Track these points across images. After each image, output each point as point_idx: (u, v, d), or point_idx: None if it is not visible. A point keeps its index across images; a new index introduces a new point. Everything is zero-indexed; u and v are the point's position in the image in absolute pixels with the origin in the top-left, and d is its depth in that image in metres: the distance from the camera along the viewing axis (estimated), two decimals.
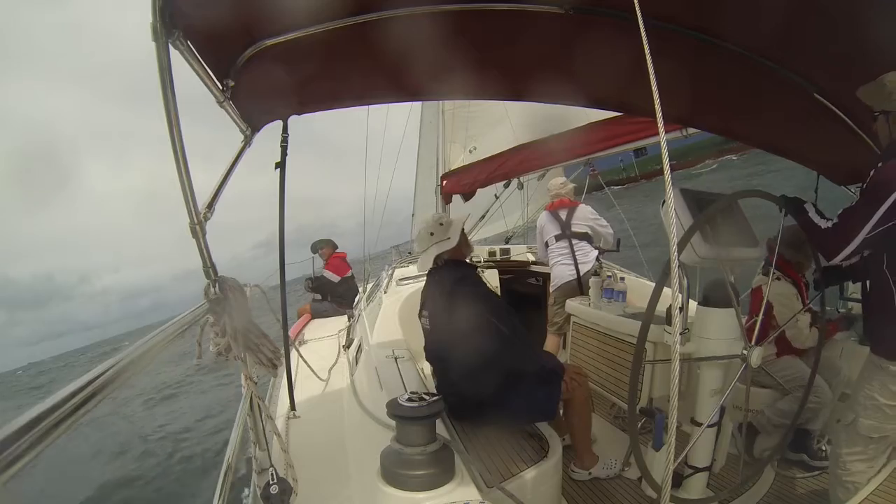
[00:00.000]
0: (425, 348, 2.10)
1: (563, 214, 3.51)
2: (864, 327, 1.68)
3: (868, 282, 1.62)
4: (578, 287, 3.28)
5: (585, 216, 3.49)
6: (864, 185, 1.47)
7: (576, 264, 3.35)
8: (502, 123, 4.25)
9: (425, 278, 2.18)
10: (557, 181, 3.71)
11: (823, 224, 1.53)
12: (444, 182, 4.80)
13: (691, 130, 2.41)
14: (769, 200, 1.64)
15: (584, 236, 3.44)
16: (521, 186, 4.83)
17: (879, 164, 1.46)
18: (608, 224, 3.57)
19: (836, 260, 1.49)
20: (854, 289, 2.89)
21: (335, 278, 5.80)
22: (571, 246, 3.40)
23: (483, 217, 5.13)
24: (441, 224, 2.06)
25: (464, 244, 2.10)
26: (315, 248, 6.08)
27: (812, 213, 1.60)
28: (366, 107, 3.54)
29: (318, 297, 5.84)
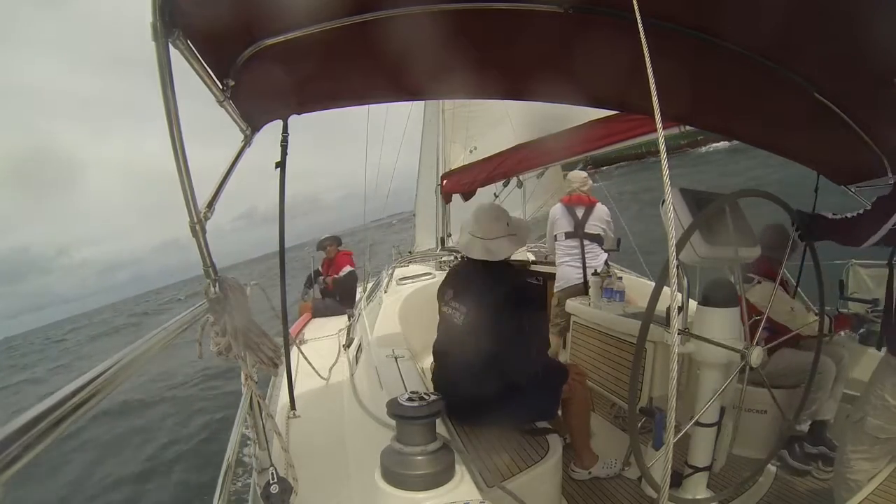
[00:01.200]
0: (441, 337, 1.99)
1: (579, 212, 3.41)
2: (882, 327, 1.70)
3: (894, 281, 1.65)
4: (584, 290, 3.19)
5: (601, 218, 3.40)
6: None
7: (584, 267, 3.27)
8: (502, 123, 4.25)
9: (459, 264, 2.11)
10: (580, 175, 3.62)
11: (849, 214, 1.64)
12: (444, 182, 4.81)
13: (691, 129, 2.41)
14: (779, 205, 1.64)
15: (595, 238, 3.35)
16: (520, 185, 4.84)
17: None
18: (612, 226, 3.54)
19: (866, 245, 1.58)
20: (854, 288, 2.89)
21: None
22: (583, 247, 3.31)
23: None
24: (511, 218, 1.91)
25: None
26: (321, 245, 6.12)
27: (831, 215, 1.73)
28: (366, 106, 3.54)
29: (319, 296, 5.86)
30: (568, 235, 3.40)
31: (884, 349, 1.64)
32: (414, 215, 7.02)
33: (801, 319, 2.16)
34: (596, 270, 3.24)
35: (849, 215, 1.65)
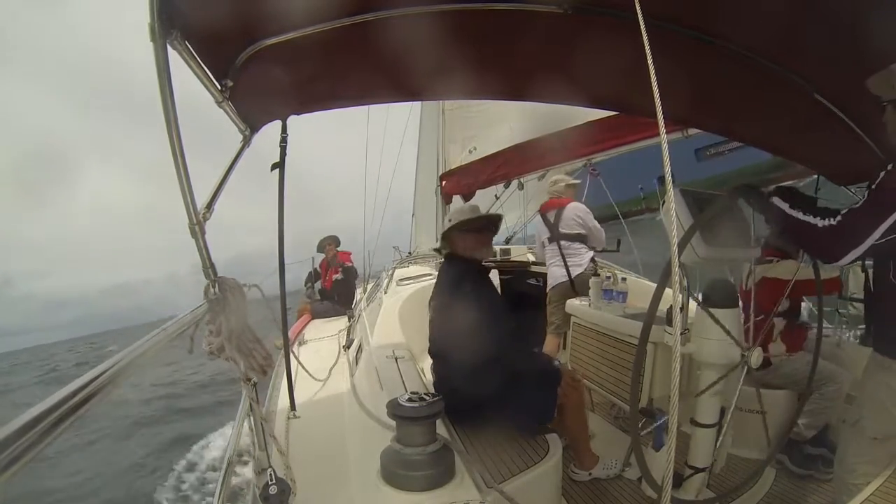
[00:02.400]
0: (430, 341, 2.15)
1: (551, 217, 3.50)
2: (866, 327, 1.66)
3: (872, 286, 1.58)
4: (572, 288, 3.28)
5: (573, 216, 3.43)
6: (874, 186, 1.38)
7: (566, 266, 3.37)
8: (502, 123, 4.26)
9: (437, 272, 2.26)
10: (552, 178, 3.69)
11: (820, 223, 1.39)
12: (444, 182, 4.81)
13: (692, 130, 2.41)
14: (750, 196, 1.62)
15: (576, 237, 3.40)
16: (521, 187, 4.83)
17: (890, 167, 1.37)
18: (599, 225, 3.53)
19: (841, 263, 1.39)
20: (854, 289, 2.89)
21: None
22: (560, 249, 3.40)
23: None
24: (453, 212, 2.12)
25: (470, 241, 2.03)
26: (321, 246, 6.12)
27: (788, 208, 1.47)
28: (366, 106, 3.54)
29: (318, 296, 5.86)
30: (549, 241, 3.52)
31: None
32: (413, 216, 7.02)
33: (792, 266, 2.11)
34: (596, 271, 3.26)
35: (819, 223, 1.40)
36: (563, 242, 3.41)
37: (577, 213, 3.44)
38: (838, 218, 1.36)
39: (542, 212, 3.59)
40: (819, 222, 1.39)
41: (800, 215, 1.44)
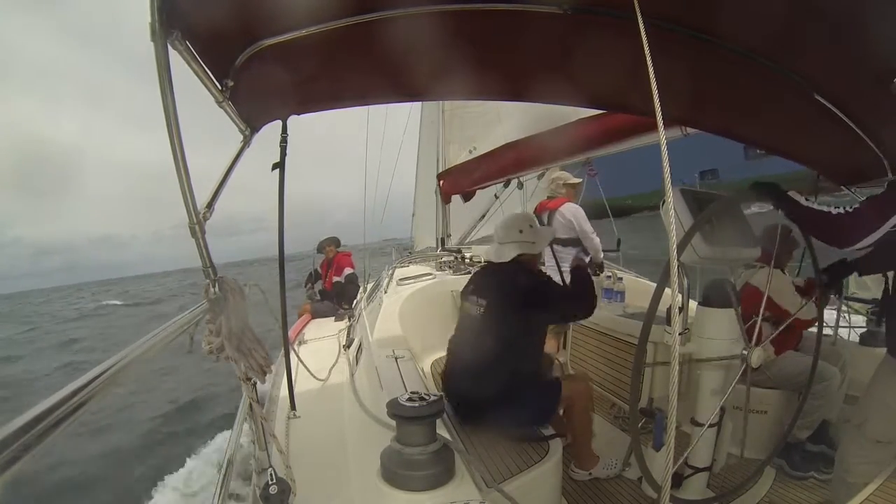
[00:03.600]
0: (459, 330, 2.15)
1: (543, 219, 3.45)
2: (886, 329, 1.64)
3: (892, 282, 1.60)
4: None
5: (563, 220, 3.37)
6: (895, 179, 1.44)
7: (559, 269, 3.35)
8: (502, 123, 4.25)
9: (482, 266, 2.40)
10: (551, 175, 3.66)
11: (835, 211, 1.44)
12: (441, 182, 4.80)
13: (691, 129, 2.40)
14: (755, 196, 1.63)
15: (567, 242, 3.35)
16: (520, 186, 4.83)
17: None
18: (594, 231, 3.44)
19: (855, 247, 1.43)
20: (855, 289, 2.89)
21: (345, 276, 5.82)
22: (553, 253, 3.37)
23: (483, 217, 5.13)
24: (531, 227, 2.13)
25: (538, 258, 2.20)
26: (320, 247, 6.12)
27: (804, 200, 1.54)
28: (366, 107, 3.54)
29: (318, 296, 5.86)
30: None
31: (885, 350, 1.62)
32: (413, 216, 7.02)
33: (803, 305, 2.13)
34: (596, 272, 3.26)
35: (833, 210, 1.47)
36: (555, 246, 3.33)
37: (567, 217, 3.37)
38: (855, 206, 1.41)
39: (537, 213, 3.56)
40: (833, 210, 1.45)
41: (814, 205, 1.51)
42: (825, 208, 1.47)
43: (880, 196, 1.44)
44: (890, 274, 1.66)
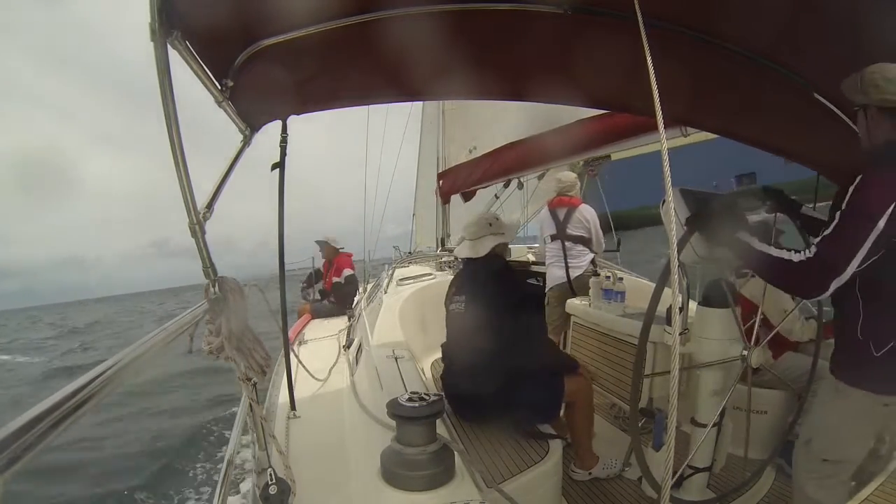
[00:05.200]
0: (449, 333, 2.17)
1: (561, 215, 3.52)
2: (834, 347, 1.51)
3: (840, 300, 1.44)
4: (570, 289, 3.31)
5: (582, 219, 3.48)
6: (846, 204, 1.24)
7: (566, 268, 3.39)
8: (502, 123, 4.25)
9: (462, 266, 2.37)
10: (570, 177, 3.69)
11: (796, 257, 1.26)
12: (441, 182, 4.79)
13: (692, 130, 2.39)
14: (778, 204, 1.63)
15: (579, 239, 3.44)
16: (521, 186, 4.83)
17: (860, 177, 1.23)
18: (601, 234, 3.58)
19: (825, 296, 1.26)
20: None
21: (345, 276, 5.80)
22: (564, 249, 3.43)
23: None
24: (498, 219, 2.23)
25: (507, 249, 2.27)
26: (321, 246, 6.11)
27: (757, 244, 1.35)
28: (365, 106, 3.54)
29: (318, 297, 5.86)
30: (553, 238, 3.52)
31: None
32: (413, 216, 7.02)
33: (793, 323, 2.15)
34: (596, 271, 3.27)
35: (795, 258, 1.27)
36: (567, 243, 3.43)
37: (585, 217, 3.48)
38: (813, 249, 1.24)
39: (552, 208, 3.59)
40: (794, 256, 1.26)
41: (772, 251, 1.32)
42: (784, 255, 1.28)
43: (832, 233, 1.23)
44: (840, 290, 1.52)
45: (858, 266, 1.18)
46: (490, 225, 2.18)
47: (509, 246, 4.62)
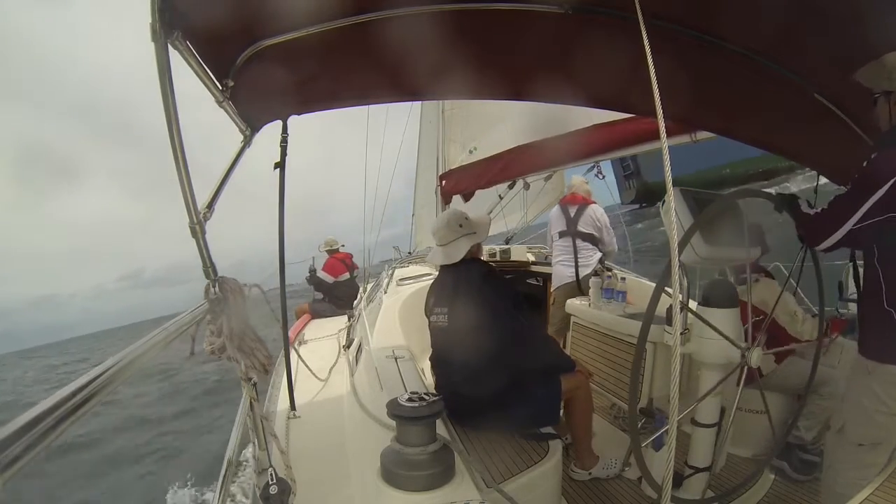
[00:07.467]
0: (434, 347, 2.07)
1: (571, 211, 3.49)
2: (858, 329, 1.57)
3: (862, 282, 1.57)
4: (578, 288, 3.27)
5: (593, 217, 3.46)
6: (857, 175, 1.41)
7: (576, 266, 3.35)
8: (502, 123, 4.24)
9: (437, 273, 2.18)
10: (579, 179, 3.73)
11: (812, 211, 1.52)
12: (444, 182, 4.78)
13: (701, 135, 2.35)
14: (766, 199, 1.63)
15: (589, 237, 3.41)
16: (527, 187, 4.80)
17: (873, 155, 1.38)
18: (613, 232, 3.56)
19: (820, 248, 1.49)
20: (854, 289, 2.88)
21: (329, 279, 5.81)
22: (574, 246, 3.39)
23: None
24: (467, 219, 2.04)
25: (482, 248, 2.12)
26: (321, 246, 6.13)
27: (804, 206, 1.59)
28: (365, 106, 3.54)
29: (319, 296, 5.86)
30: (562, 234, 3.49)
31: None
32: (413, 216, 7.01)
33: (800, 325, 2.15)
34: (596, 271, 3.26)
35: (812, 211, 1.54)
36: (577, 240, 3.41)
37: (597, 215, 3.46)
38: (825, 206, 1.46)
39: (564, 204, 3.58)
40: (812, 211, 1.52)
41: (806, 208, 1.55)
42: (809, 210, 1.54)
43: (843, 194, 1.44)
44: (861, 273, 1.61)
45: (855, 225, 1.35)
46: (461, 226, 2.00)
47: (509, 246, 4.59)
